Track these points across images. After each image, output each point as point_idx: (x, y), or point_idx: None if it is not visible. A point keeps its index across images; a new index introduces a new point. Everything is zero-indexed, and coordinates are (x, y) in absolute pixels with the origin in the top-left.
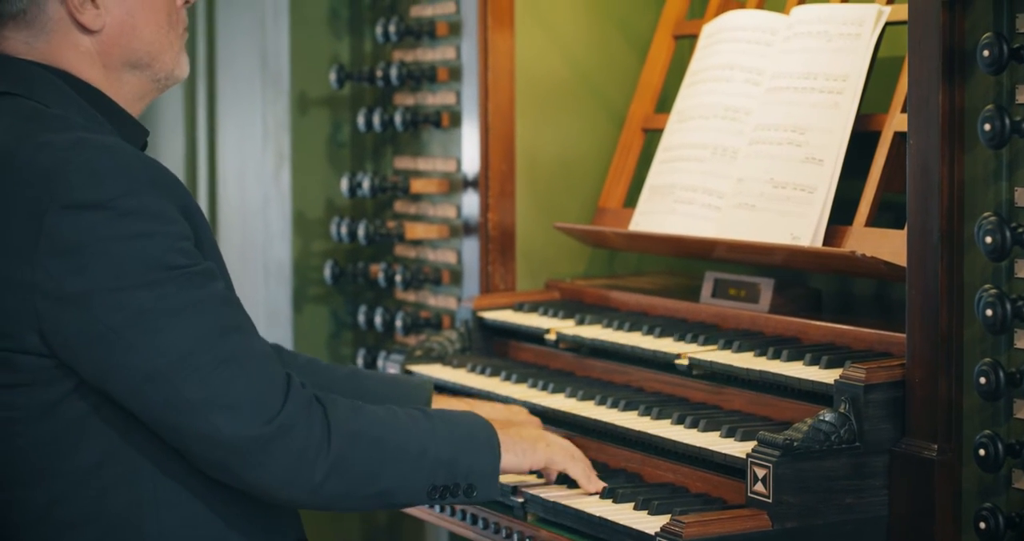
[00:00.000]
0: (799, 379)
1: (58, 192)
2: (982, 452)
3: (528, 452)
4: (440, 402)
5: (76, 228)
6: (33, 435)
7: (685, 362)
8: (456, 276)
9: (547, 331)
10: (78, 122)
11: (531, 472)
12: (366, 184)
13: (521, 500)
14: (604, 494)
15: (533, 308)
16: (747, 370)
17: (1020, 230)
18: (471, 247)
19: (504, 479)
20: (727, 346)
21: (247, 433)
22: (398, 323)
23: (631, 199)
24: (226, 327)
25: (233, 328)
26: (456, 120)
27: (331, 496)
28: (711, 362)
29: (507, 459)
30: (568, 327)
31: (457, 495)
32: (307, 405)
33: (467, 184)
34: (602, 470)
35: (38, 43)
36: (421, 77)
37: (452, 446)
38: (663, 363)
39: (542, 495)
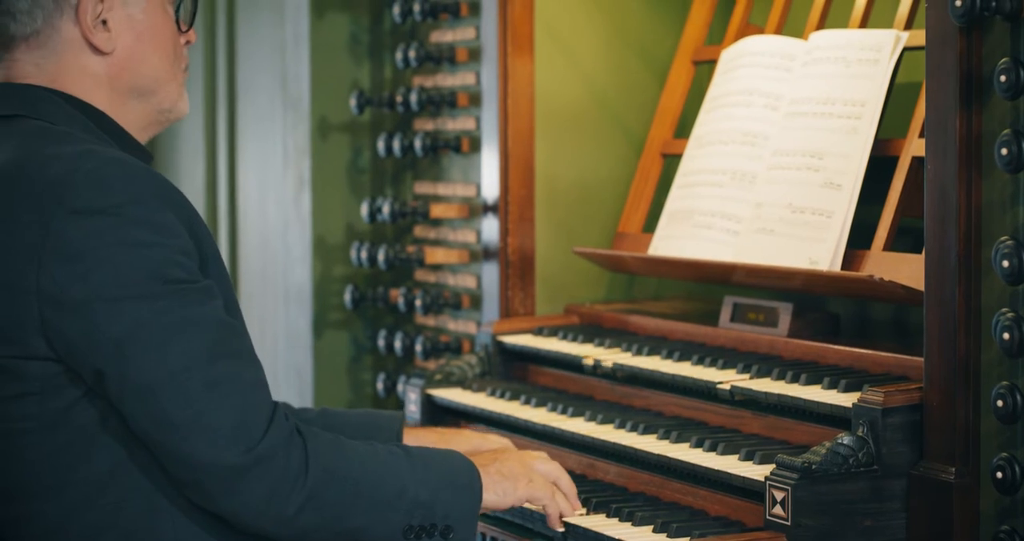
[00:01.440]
0: (817, 403)
1: (65, 198)
2: (999, 475)
3: (509, 491)
4: (412, 434)
5: (82, 233)
6: (45, 445)
7: (703, 383)
8: (476, 300)
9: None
10: (85, 138)
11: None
12: (386, 209)
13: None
14: (624, 517)
15: (553, 332)
16: (766, 394)
17: None
18: (491, 272)
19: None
20: (746, 370)
21: (224, 461)
22: (418, 347)
23: (650, 224)
24: (219, 351)
25: (226, 352)
26: (476, 145)
27: (303, 529)
28: (730, 386)
29: (487, 498)
30: (592, 351)
31: (433, 536)
32: (288, 437)
33: (487, 209)
34: (621, 493)
35: (48, 64)
36: (441, 102)
37: (431, 487)
38: (682, 387)
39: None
